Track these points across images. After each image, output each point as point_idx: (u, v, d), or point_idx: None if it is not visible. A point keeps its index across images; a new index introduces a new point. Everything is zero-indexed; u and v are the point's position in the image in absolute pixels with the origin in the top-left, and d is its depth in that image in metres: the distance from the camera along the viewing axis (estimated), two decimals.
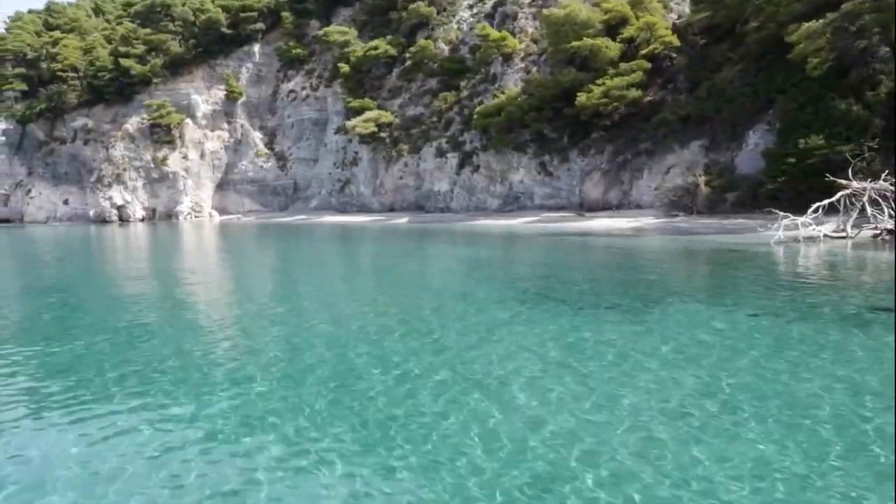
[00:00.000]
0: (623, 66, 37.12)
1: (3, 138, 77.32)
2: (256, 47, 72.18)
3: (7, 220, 76.38)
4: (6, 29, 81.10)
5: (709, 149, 33.40)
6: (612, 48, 37.71)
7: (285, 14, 70.48)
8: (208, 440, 5.56)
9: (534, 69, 43.48)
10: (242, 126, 70.91)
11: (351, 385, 6.94)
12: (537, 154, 40.60)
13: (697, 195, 30.30)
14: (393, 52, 57.18)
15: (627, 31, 38.54)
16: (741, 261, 17.49)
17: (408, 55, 55.72)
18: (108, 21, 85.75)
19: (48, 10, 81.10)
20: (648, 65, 37.01)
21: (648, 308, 10.61)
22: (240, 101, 71.08)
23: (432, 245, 27.14)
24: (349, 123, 54.12)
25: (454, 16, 56.92)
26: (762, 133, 30.82)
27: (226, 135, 71.24)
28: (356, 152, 57.33)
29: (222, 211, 70.42)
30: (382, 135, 53.37)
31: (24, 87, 74.62)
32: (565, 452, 5.22)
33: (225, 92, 71.13)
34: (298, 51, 69.21)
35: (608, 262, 18.86)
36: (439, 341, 8.77)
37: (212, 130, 71.28)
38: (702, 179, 30.30)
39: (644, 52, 37.54)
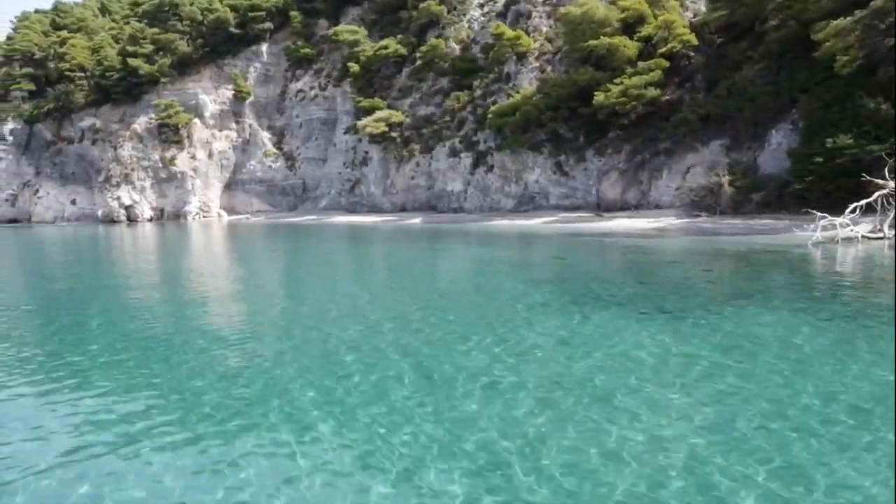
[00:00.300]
0: (641, 64, 36.63)
1: (11, 138, 76.80)
2: (264, 47, 71.66)
3: (14, 221, 75.92)
4: (13, 29, 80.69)
5: (730, 148, 32.92)
6: (629, 47, 37.23)
7: (294, 13, 69.98)
8: (317, 470, 5.09)
9: (548, 68, 42.99)
10: (251, 126, 70.45)
11: (443, 401, 6.48)
12: (553, 154, 40.13)
13: (721, 195, 29.82)
14: (403, 51, 56.69)
15: (645, 30, 38.02)
16: (785, 262, 17.05)
17: (418, 54, 55.19)
18: (114, 21, 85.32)
19: (55, 9, 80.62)
20: (667, 63, 36.52)
21: (717, 313, 10.17)
22: (248, 101, 70.57)
23: (456, 245, 26.68)
24: (360, 123, 53.63)
25: (464, 15, 56.42)
26: (785, 132, 30.36)
27: (234, 134, 70.74)
28: (366, 152, 56.84)
29: (230, 211, 69.98)
30: (393, 134, 52.88)
31: (31, 86, 74.12)
32: (703, 475, 4.79)
33: (233, 92, 70.61)
34: (307, 50, 68.73)
35: (644, 263, 18.39)
36: (517, 349, 8.31)
37: (220, 130, 70.80)
38: (725, 179, 29.82)
39: (662, 50, 37.05)
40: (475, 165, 44.68)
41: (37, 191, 74.36)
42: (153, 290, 15.79)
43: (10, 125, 76.79)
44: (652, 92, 35.88)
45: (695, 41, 37.26)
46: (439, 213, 47.10)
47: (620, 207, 36.44)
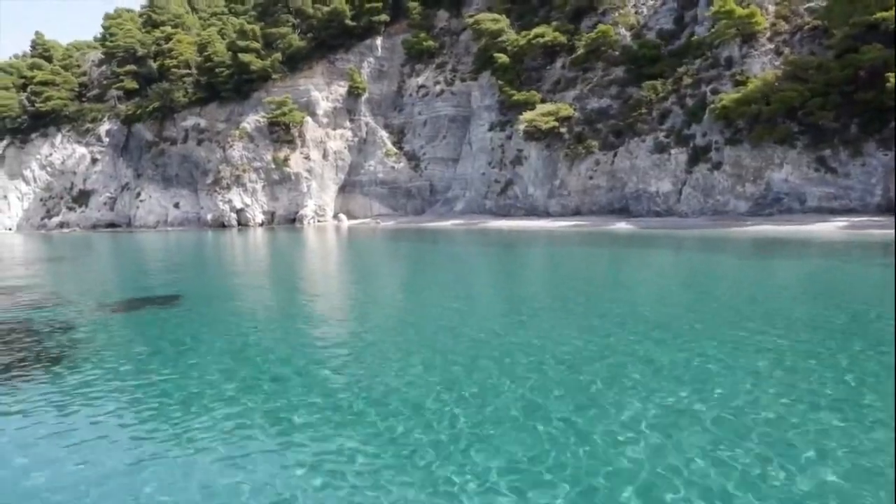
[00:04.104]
0: None
1: (107, 139, 70.71)
2: (379, 41, 64.77)
3: (113, 225, 69.81)
4: (104, 27, 74.42)
5: None
6: None
7: (412, 4, 63.07)
8: None
9: (786, 50, 35.74)
10: (367, 124, 63.58)
11: None
12: (809, 148, 32.88)
13: None
14: (562, 39, 49.60)
15: None
16: None
17: (581, 42, 48.17)
18: (201, 17, 79.04)
19: (151, 5, 74.12)
20: None
21: None
22: (363, 98, 63.79)
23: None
24: (524, 117, 46.56)
25: None
26: None
27: (349, 133, 63.97)
28: (520, 150, 49.76)
29: (347, 215, 63.19)
30: (562, 130, 45.86)
31: (135, 85, 67.76)
32: None
33: (346, 88, 63.88)
34: (429, 43, 61.76)
35: None
36: None
37: (333, 129, 64.09)
38: None
39: None
40: (693, 162, 37.45)
41: (138, 194, 68.07)
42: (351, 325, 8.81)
43: (106, 126, 70.75)
44: None
45: None
46: (637, 218, 39.93)
47: None
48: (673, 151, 38.37)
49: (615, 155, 42.59)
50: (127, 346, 9.97)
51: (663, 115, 39.82)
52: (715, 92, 36.91)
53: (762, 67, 35.85)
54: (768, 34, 36.44)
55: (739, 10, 35.83)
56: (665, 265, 20.86)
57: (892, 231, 26.86)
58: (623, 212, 42.07)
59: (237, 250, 35.50)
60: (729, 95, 34.86)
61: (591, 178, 43.93)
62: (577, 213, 44.80)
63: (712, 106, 36.07)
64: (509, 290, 16.53)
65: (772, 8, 37.41)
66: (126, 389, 7.60)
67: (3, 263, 29.43)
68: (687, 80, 39.15)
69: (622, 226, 37.74)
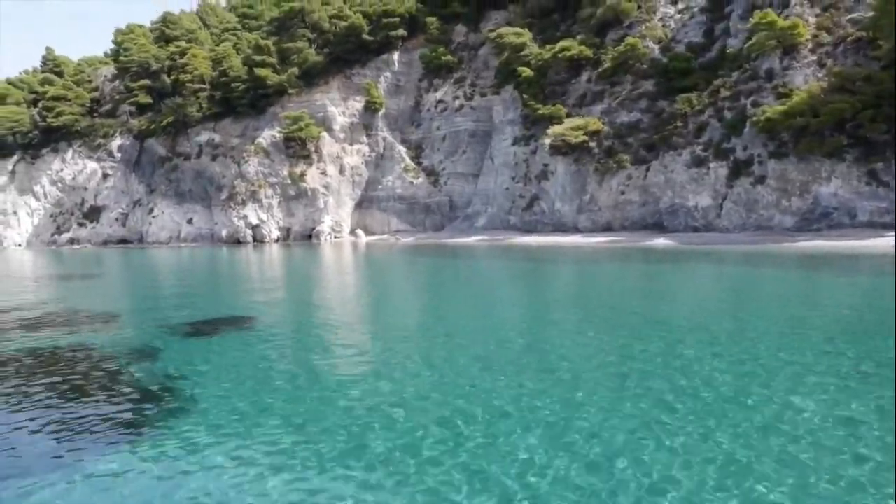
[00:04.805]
0: None
1: (119, 154, 69.56)
2: (396, 55, 64.12)
3: (125, 241, 68.38)
4: (117, 43, 73.63)
5: None
6: None
7: (430, 19, 62.50)
8: None
9: (829, 62, 34.94)
10: (385, 139, 62.65)
11: None
12: (860, 161, 31.91)
13: None
14: (588, 52, 48.90)
15: None
16: None
17: (609, 56, 47.47)
18: (213, 33, 78.44)
19: (164, 20, 73.48)
20: None
21: None
22: (380, 113, 62.94)
23: None
24: (552, 131, 45.68)
25: (654, 12, 48.74)
26: None
27: (366, 149, 62.99)
28: (546, 165, 48.76)
29: (364, 231, 61.95)
30: (591, 144, 44.94)
31: (149, 100, 66.80)
32: None
33: (363, 103, 63.08)
34: (448, 58, 61.07)
35: None
36: None
37: (350, 144, 63.13)
38: None
39: None
40: (734, 176, 36.44)
41: (151, 209, 66.76)
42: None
43: (118, 141, 69.67)
44: None
45: None
46: (673, 233, 38.81)
47: None
48: (712, 165, 37.38)
49: (648, 169, 41.62)
50: (239, 373, 8.62)
51: (700, 128, 38.89)
52: (756, 104, 36.00)
53: (805, 79, 34.99)
54: (810, 46, 35.65)
55: (781, 22, 35.08)
56: (749, 286, 19.57)
57: None
58: (657, 227, 40.96)
59: (269, 267, 34.11)
60: (773, 108, 33.93)
61: (622, 192, 42.89)
62: (608, 228, 43.67)
63: (754, 119, 35.15)
64: (593, 323, 15.21)
65: (813, 19, 36.69)
66: (271, 425, 6.25)
67: (35, 282, 28.01)
68: (724, 93, 38.28)
69: (661, 241, 36.53)
